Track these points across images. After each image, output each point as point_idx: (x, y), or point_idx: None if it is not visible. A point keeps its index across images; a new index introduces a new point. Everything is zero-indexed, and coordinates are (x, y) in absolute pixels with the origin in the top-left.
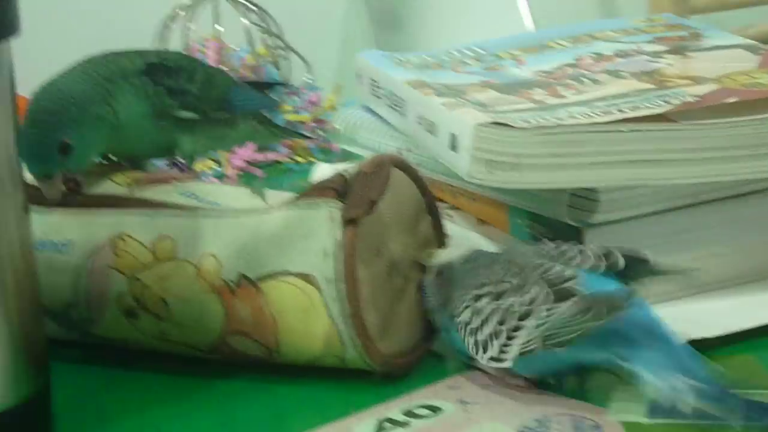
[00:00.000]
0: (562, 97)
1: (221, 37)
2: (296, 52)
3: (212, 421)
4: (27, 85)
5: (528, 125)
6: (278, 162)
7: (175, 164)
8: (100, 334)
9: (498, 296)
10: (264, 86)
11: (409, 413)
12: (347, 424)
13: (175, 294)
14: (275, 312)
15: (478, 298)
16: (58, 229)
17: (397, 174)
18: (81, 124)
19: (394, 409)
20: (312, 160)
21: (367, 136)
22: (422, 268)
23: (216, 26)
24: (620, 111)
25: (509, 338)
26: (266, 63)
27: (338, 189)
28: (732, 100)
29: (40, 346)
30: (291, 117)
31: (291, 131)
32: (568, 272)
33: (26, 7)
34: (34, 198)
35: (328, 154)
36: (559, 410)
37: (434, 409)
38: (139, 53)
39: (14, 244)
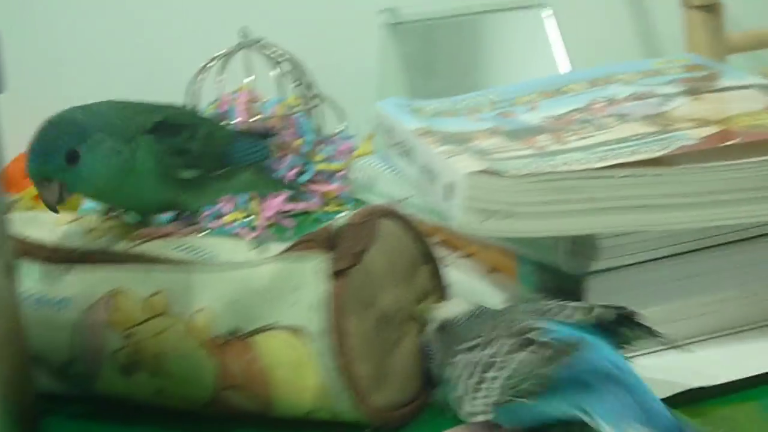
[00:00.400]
0: (566, 142)
1: (253, 88)
2: (328, 102)
3: None
4: None
5: (519, 173)
6: (308, 212)
7: (178, 217)
8: (99, 390)
9: (469, 351)
10: (261, 135)
11: None
12: None
13: (169, 349)
14: (266, 366)
15: (455, 354)
16: (57, 286)
17: (388, 225)
18: (96, 144)
19: None
20: (342, 209)
21: (382, 187)
22: (420, 320)
23: (246, 77)
24: (616, 156)
25: (475, 391)
26: (298, 113)
27: (326, 241)
28: (731, 142)
29: (28, 403)
30: (322, 166)
31: (285, 184)
32: (531, 324)
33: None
34: (33, 255)
35: (360, 204)
36: None
37: None
38: (149, 109)
39: (2, 302)
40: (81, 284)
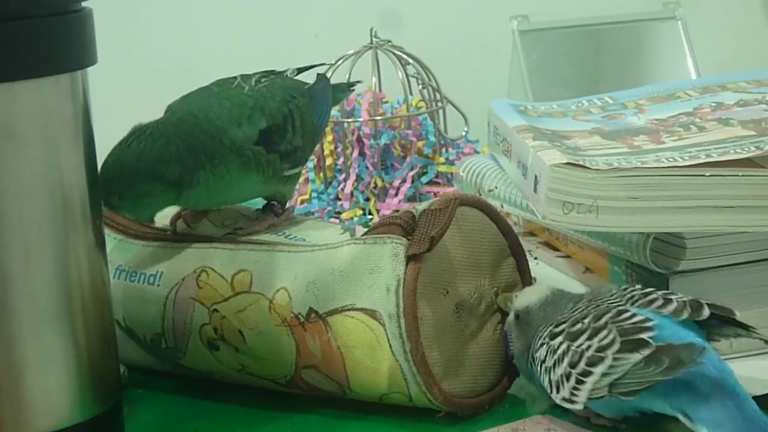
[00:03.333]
0: (662, 143)
1: (379, 88)
2: (453, 105)
3: None
4: None
5: (605, 167)
6: None
7: (272, 207)
8: (187, 365)
9: (573, 337)
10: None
11: None
12: None
13: (251, 326)
14: (342, 347)
15: (554, 336)
16: (150, 262)
17: (473, 214)
18: (123, 195)
19: None
20: None
21: (488, 184)
22: (502, 309)
23: (374, 78)
24: (707, 156)
25: (578, 382)
26: (422, 114)
27: (405, 226)
28: None
29: (110, 371)
30: (443, 168)
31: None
32: (643, 321)
33: (186, 46)
34: (131, 232)
35: None
36: None
37: None
38: (247, 115)
39: (84, 278)
40: (172, 261)
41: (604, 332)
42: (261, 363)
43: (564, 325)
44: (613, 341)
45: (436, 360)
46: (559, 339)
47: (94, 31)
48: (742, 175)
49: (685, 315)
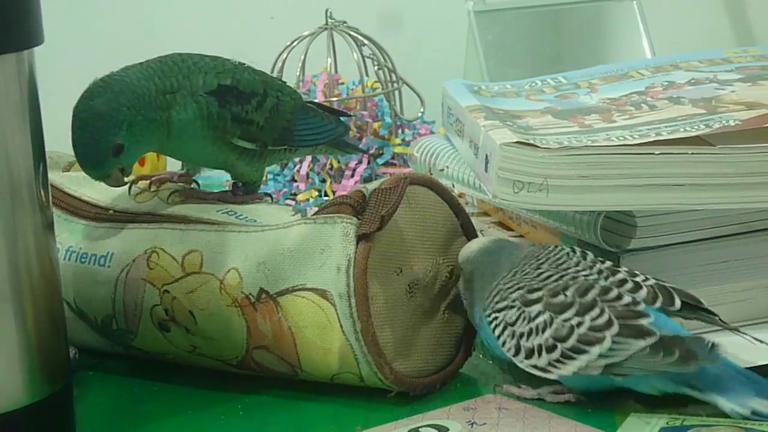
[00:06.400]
0: (613, 122)
1: (335, 70)
2: (409, 86)
3: None
4: None
5: (554, 146)
6: None
7: (235, 186)
8: (138, 346)
9: (556, 309)
10: (339, 113)
11: None
12: None
13: (202, 307)
14: (293, 327)
15: (528, 302)
16: (101, 243)
17: (424, 193)
18: (132, 125)
19: (401, 427)
20: None
21: (441, 164)
22: (455, 290)
23: (329, 59)
24: (657, 134)
25: (565, 356)
26: (378, 95)
27: (355, 205)
28: None
29: (59, 353)
30: (399, 149)
31: (357, 148)
32: (634, 304)
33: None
34: (82, 213)
35: None
36: None
37: (440, 429)
38: (217, 71)
39: (32, 259)
40: (123, 242)
41: (596, 311)
42: (212, 344)
43: (540, 293)
44: (609, 322)
45: (387, 340)
46: (538, 307)
47: (41, 9)
48: (692, 153)
49: (658, 305)
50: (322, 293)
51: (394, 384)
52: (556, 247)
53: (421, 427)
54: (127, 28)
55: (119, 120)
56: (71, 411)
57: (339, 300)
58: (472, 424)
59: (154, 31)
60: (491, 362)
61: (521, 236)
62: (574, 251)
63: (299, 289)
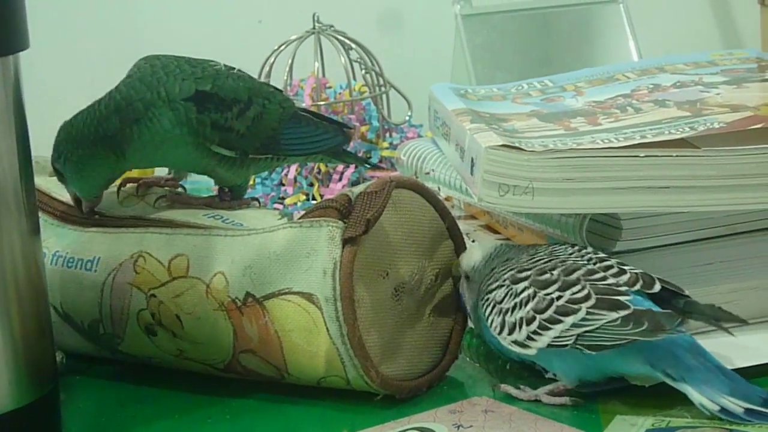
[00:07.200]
0: (598, 125)
1: (322, 74)
2: (397, 89)
3: None
4: None
5: (539, 149)
6: None
7: (221, 192)
8: (125, 351)
9: (541, 285)
10: (334, 122)
11: None
12: None
13: (188, 311)
14: (280, 330)
15: (517, 280)
16: (87, 247)
17: (410, 196)
18: (71, 162)
19: (388, 430)
20: None
21: (428, 168)
22: (441, 293)
23: (317, 63)
24: (642, 137)
25: (542, 327)
26: (365, 99)
27: (341, 209)
28: (756, 126)
29: (45, 357)
30: (386, 153)
31: (359, 158)
32: (617, 285)
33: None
34: (68, 218)
35: None
36: None
37: None
38: (196, 76)
39: (18, 263)
40: (109, 246)
41: (578, 287)
42: (198, 348)
43: (529, 272)
44: (587, 296)
45: (373, 343)
46: (524, 284)
47: (26, 14)
48: (676, 156)
49: (637, 287)
50: (309, 297)
51: (381, 387)
52: (557, 242)
53: (407, 430)
54: (115, 33)
55: (60, 152)
56: (58, 415)
57: (325, 303)
58: (459, 426)
59: (142, 36)
60: (478, 365)
61: (507, 239)
62: (573, 245)
63: (285, 293)
